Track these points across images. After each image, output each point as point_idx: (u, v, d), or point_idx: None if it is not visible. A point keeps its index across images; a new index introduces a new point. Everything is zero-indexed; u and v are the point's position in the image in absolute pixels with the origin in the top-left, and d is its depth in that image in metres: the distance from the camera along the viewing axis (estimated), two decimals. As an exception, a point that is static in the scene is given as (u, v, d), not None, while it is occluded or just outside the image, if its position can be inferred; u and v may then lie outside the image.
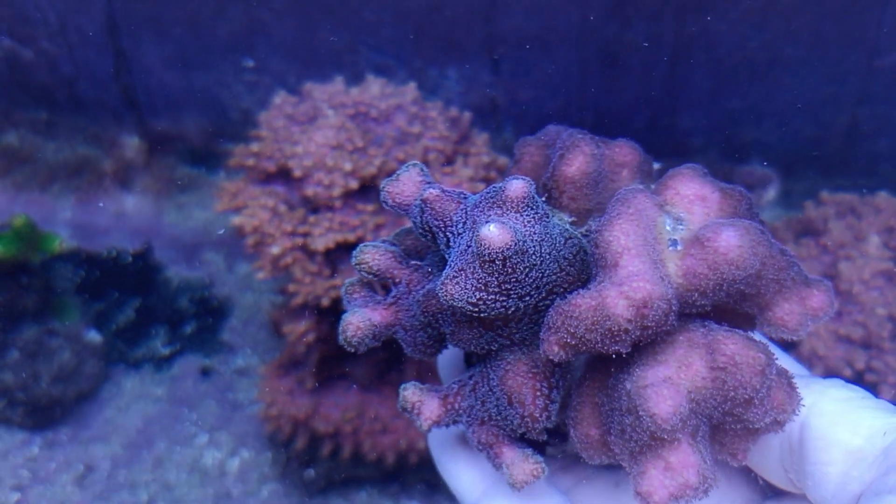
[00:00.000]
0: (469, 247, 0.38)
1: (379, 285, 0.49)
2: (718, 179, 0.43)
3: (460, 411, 0.44)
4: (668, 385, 0.36)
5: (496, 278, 0.37)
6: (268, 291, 1.56)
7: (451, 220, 0.40)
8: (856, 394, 0.39)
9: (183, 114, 1.57)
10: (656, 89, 1.39)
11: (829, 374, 1.03)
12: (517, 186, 0.38)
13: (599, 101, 1.45)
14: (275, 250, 1.08)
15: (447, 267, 0.39)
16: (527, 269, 0.37)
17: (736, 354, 0.37)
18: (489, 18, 1.38)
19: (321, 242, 1.07)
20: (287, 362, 1.27)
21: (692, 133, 1.42)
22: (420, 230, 0.42)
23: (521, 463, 0.41)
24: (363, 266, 0.45)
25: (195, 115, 1.57)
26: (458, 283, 0.37)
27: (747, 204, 0.42)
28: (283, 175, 1.16)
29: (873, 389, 1.08)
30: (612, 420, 0.39)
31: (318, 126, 1.12)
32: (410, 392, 0.44)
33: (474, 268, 0.37)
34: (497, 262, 0.36)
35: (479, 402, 0.43)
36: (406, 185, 0.43)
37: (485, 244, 0.36)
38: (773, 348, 0.46)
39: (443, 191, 0.41)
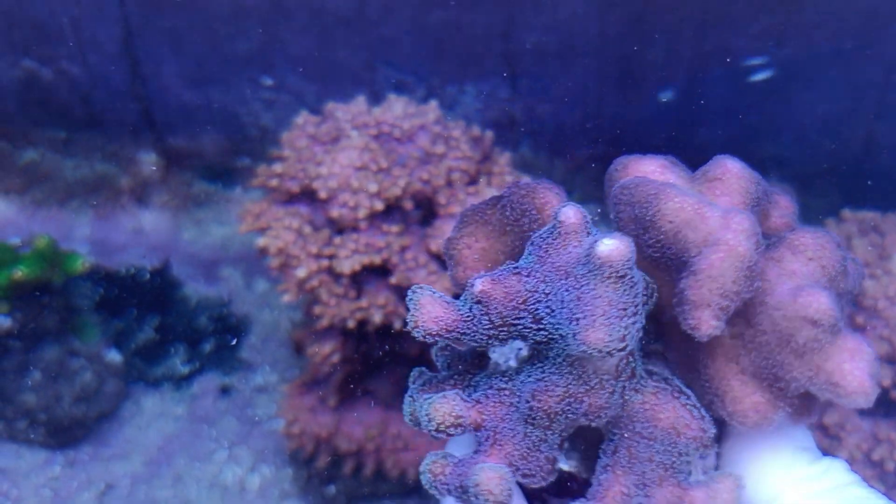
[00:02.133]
0: (585, 284, 0.35)
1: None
2: None
3: (631, 493, 0.40)
4: (807, 286, 0.38)
5: (629, 296, 0.35)
6: (287, 309, 1.56)
7: (524, 293, 0.37)
8: (842, 480, 0.39)
9: (200, 130, 1.58)
10: (675, 104, 1.39)
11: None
12: (572, 213, 0.38)
13: (617, 116, 1.45)
14: (301, 273, 1.09)
15: (573, 323, 0.35)
16: (636, 282, 0.36)
17: (815, 241, 0.41)
18: (507, 35, 1.38)
19: (347, 265, 1.08)
20: (310, 381, 1.27)
21: (710, 147, 1.42)
22: (489, 334, 0.38)
23: (720, 484, 0.39)
24: (446, 425, 0.40)
25: (212, 132, 1.58)
26: (601, 324, 0.35)
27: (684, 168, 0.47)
28: (306, 195, 1.16)
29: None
30: (775, 362, 0.38)
31: (341, 147, 1.12)
32: None
33: (608, 296, 0.35)
34: (627, 275, 0.35)
35: (646, 464, 0.39)
36: (433, 306, 0.39)
37: (613, 258, 0.34)
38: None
39: (492, 276, 0.38)
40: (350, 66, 1.45)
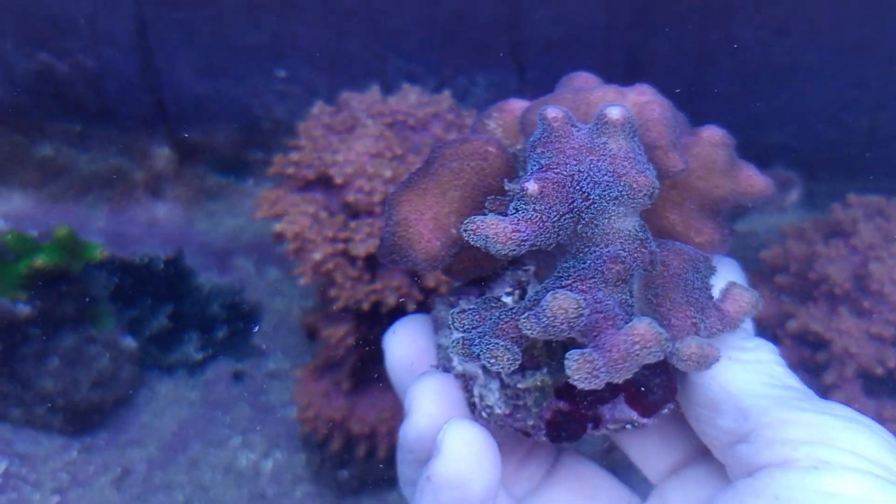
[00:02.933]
0: (610, 149, 0.42)
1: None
2: None
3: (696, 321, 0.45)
4: (705, 125, 0.52)
5: (640, 145, 0.43)
6: (297, 296, 1.59)
7: (567, 179, 0.41)
8: (755, 356, 0.44)
9: (213, 124, 1.60)
10: (680, 94, 1.42)
11: (862, 372, 1.06)
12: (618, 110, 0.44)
13: (623, 107, 1.47)
14: (316, 256, 1.11)
15: (619, 182, 0.41)
16: None
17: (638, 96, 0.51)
18: (516, 26, 1.41)
19: (362, 248, 1.10)
20: (323, 365, 1.29)
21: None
22: (557, 226, 0.41)
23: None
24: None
25: (225, 125, 1.60)
26: (639, 170, 0.41)
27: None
28: (321, 182, 1.19)
29: (905, 386, 1.11)
30: (709, 189, 0.49)
31: (357, 135, 1.15)
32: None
33: (632, 149, 0.41)
34: (636, 130, 0.42)
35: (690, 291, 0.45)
36: (496, 225, 0.40)
37: (625, 116, 0.41)
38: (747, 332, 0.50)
39: (535, 176, 0.41)
40: (362, 58, 1.48)
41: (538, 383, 0.43)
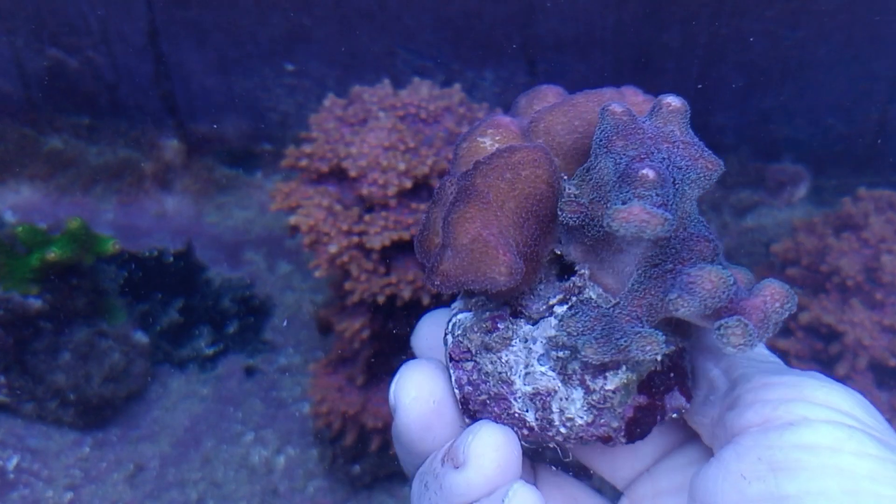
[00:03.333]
0: (681, 136, 0.44)
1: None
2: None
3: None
4: None
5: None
6: (308, 290, 1.59)
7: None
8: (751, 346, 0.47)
9: (222, 117, 1.60)
10: (690, 89, 1.42)
11: (874, 364, 1.06)
12: (673, 99, 0.45)
13: (633, 101, 1.48)
14: (332, 249, 1.11)
15: (697, 165, 0.43)
16: None
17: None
18: (526, 23, 1.41)
19: (377, 241, 1.10)
20: (336, 359, 1.30)
21: (725, 131, 1.46)
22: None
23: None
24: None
25: (234, 119, 1.60)
26: (708, 154, 0.43)
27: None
28: (335, 175, 1.19)
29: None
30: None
31: (370, 128, 1.15)
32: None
33: (691, 137, 0.44)
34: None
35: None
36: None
37: (683, 104, 0.44)
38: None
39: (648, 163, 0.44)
40: (371, 54, 1.48)
41: (624, 380, 0.44)
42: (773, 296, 0.40)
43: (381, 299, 1.13)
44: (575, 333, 0.43)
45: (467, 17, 1.42)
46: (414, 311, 1.22)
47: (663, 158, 0.42)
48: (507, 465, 0.43)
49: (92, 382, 1.40)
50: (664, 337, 0.41)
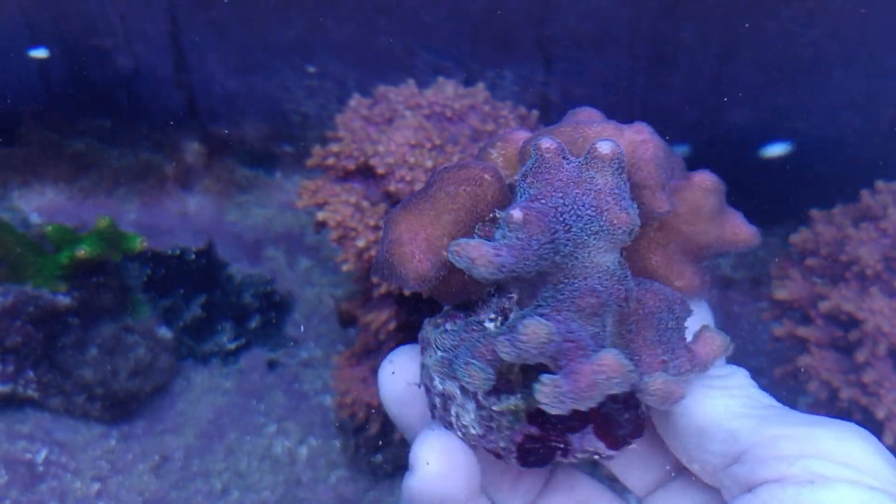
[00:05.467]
0: (596, 184, 0.43)
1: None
2: None
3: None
4: (698, 170, 0.51)
5: (627, 183, 0.44)
6: (328, 285, 1.62)
7: (551, 210, 0.43)
8: (734, 382, 0.45)
9: (243, 118, 1.62)
10: (704, 86, 1.45)
11: (894, 350, 1.09)
12: (607, 144, 0.44)
13: (648, 98, 1.51)
14: (360, 243, 1.14)
15: (601, 218, 0.42)
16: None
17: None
18: (543, 20, 1.44)
19: (405, 236, 1.13)
20: (360, 351, 1.32)
21: (740, 127, 1.48)
22: (537, 254, 0.42)
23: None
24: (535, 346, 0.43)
25: (255, 120, 1.63)
26: (621, 207, 0.42)
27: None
28: (361, 173, 1.21)
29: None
30: (692, 235, 0.50)
31: (397, 126, 1.17)
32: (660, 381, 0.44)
33: (616, 185, 0.43)
34: (624, 167, 0.43)
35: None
36: (481, 249, 0.42)
37: (613, 153, 0.42)
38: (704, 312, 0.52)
39: (520, 205, 0.43)
40: (391, 53, 1.50)
41: (511, 407, 0.44)
42: (606, 368, 0.40)
43: (407, 291, 1.16)
44: (441, 348, 0.46)
45: (485, 14, 1.44)
46: (438, 304, 1.24)
47: (561, 203, 0.42)
48: (451, 470, 0.45)
49: (118, 377, 1.42)
50: (492, 373, 0.42)
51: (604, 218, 0.42)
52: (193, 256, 1.58)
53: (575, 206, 0.42)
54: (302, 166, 1.63)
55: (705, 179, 0.48)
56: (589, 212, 0.42)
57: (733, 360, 0.59)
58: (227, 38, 1.53)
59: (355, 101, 1.25)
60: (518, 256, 0.41)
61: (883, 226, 1.11)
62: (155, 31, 1.54)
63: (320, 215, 1.17)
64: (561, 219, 0.42)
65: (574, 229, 0.42)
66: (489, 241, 0.42)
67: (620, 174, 0.43)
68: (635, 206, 0.43)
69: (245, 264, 1.63)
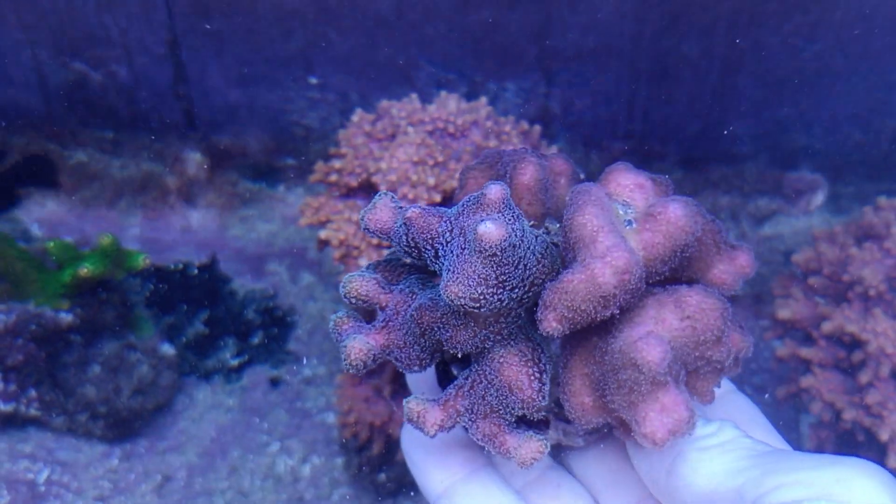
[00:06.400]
0: (465, 249, 0.43)
1: (364, 314, 0.53)
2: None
3: (461, 412, 0.48)
4: (653, 336, 0.43)
5: (494, 271, 0.42)
6: (331, 301, 1.61)
7: (436, 232, 0.45)
8: (722, 438, 0.45)
9: (245, 130, 1.62)
10: (707, 99, 1.44)
11: (900, 370, 1.08)
12: (496, 190, 0.43)
13: (650, 111, 1.50)
14: (363, 262, 1.13)
15: (446, 272, 0.43)
16: (516, 262, 0.43)
17: (700, 302, 0.44)
18: (546, 34, 1.43)
19: (409, 254, 1.12)
20: (364, 370, 1.31)
21: (741, 140, 1.48)
22: (405, 248, 0.47)
23: (526, 444, 0.46)
24: (352, 294, 0.49)
25: (257, 132, 1.62)
26: (460, 282, 0.42)
27: (672, 188, 0.50)
28: (363, 189, 1.21)
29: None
30: (607, 382, 0.45)
31: (399, 143, 1.17)
32: (413, 404, 0.48)
33: (474, 264, 0.42)
34: (496, 255, 0.41)
35: (479, 399, 0.48)
36: (382, 211, 0.48)
37: (485, 239, 0.41)
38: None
39: (423, 208, 0.46)
40: (392, 65, 1.50)
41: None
42: (350, 348, 0.46)
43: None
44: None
45: (487, 27, 1.44)
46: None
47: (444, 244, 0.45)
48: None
49: (121, 395, 1.42)
50: (363, 343, 0.47)
51: (446, 273, 0.44)
52: (196, 271, 1.57)
53: (450, 246, 0.45)
54: (305, 179, 1.63)
55: (643, 351, 0.44)
56: (449, 259, 0.45)
57: (736, 379, 0.58)
58: (228, 49, 1.53)
59: (358, 116, 1.25)
60: (391, 235, 0.49)
61: (886, 245, 1.10)
62: (155, 44, 1.54)
63: (322, 234, 1.17)
64: (437, 244, 0.46)
65: (441, 260, 0.46)
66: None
67: (492, 259, 0.42)
68: (504, 294, 0.44)
69: (248, 279, 1.63)
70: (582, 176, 0.56)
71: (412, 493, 1.45)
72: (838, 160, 1.46)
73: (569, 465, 0.54)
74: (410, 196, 1.14)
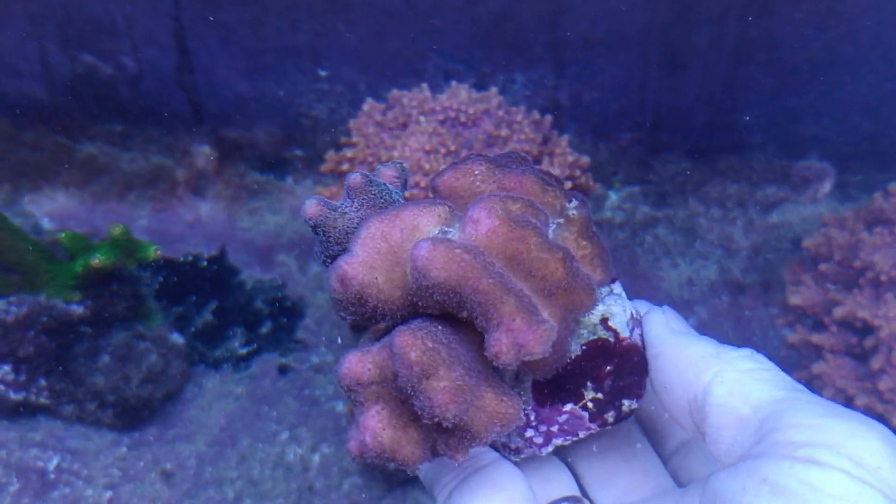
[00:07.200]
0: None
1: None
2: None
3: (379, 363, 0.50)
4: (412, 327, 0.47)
5: (320, 244, 0.50)
6: (340, 292, 1.61)
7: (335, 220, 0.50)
8: (758, 365, 0.45)
9: (253, 122, 1.62)
10: (717, 89, 1.44)
11: (913, 356, 1.08)
12: (354, 177, 0.49)
13: (661, 101, 1.50)
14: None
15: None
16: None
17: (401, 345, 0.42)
18: (555, 25, 1.43)
19: (420, 242, 1.13)
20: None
21: (751, 130, 1.48)
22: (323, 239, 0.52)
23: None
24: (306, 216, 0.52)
25: (265, 124, 1.62)
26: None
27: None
28: (375, 179, 1.21)
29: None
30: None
31: (411, 132, 1.17)
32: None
33: (318, 240, 0.50)
34: (317, 227, 0.49)
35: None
36: (317, 206, 0.50)
37: (305, 213, 0.48)
38: (676, 318, 0.51)
39: (318, 200, 0.50)
40: (401, 56, 1.50)
41: None
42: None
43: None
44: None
45: (496, 18, 1.44)
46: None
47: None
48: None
49: (131, 384, 1.42)
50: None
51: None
52: (205, 263, 1.57)
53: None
54: (313, 171, 1.63)
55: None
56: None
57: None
58: (236, 41, 1.53)
59: (369, 105, 1.25)
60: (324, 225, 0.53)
61: (899, 230, 1.10)
62: (162, 35, 1.54)
63: (335, 222, 1.17)
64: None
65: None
66: None
67: (315, 231, 0.50)
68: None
69: (257, 270, 1.63)
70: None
71: (422, 483, 1.45)
72: (847, 149, 1.46)
73: (566, 457, 0.54)
74: (423, 184, 1.15)
